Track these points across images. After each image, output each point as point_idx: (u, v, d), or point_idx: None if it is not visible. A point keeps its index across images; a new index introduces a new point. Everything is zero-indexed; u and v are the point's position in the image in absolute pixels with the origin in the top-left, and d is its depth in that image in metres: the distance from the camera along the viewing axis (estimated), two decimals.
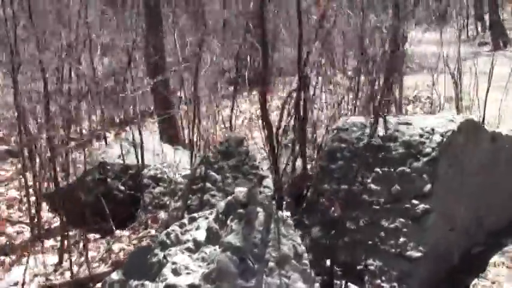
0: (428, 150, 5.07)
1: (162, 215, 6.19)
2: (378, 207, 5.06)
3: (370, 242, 5.00)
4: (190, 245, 4.59)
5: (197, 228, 4.70)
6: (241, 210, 4.40)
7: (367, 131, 5.29)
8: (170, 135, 8.97)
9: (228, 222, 4.43)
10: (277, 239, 4.37)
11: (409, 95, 14.93)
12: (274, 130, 5.37)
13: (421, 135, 5.15)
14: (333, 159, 5.32)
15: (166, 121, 9.06)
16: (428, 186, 4.98)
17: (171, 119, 8.98)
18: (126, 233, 6.48)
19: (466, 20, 29.23)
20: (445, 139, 5.14)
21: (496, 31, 25.90)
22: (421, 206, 4.95)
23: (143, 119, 9.77)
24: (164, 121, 9.05)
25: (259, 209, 4.40)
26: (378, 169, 5.13)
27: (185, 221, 4.86)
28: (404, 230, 4.94)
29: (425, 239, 4.93)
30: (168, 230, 4.83)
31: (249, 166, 5.73)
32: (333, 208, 4.97)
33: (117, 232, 6.48)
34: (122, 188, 6.78)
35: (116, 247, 6.15)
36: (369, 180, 5.13)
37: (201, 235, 4.59)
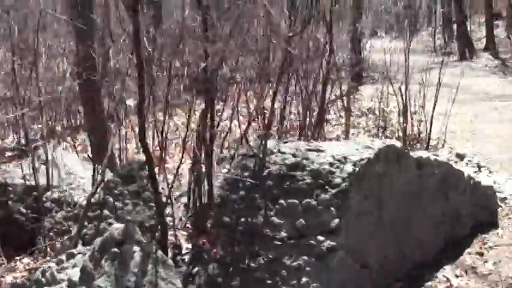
0: (338, 180, 4.58)
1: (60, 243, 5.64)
2: (280, 243, 4.55)
3: (269, 282, 4.49)
4: (64, 285, 4.08)
5: (74, 266, 4.20)
6: (115, 249, 3.89)
7: (274, 157, 4.78)
8: (99, 151, 8.37)
9: (102, 262, 3.91)
10: (154, 282, 3.85)
11: (365, 106, 14.50)
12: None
13: (331, 164, 4.66)
14: (234, 188, 4.79)
15: (97, 136, 8.45)
16: (336, 220, 4.48)
17: (101, 134, 8.37)
18: (26, 260, 5.93)
19: (434, 30, 28.96)
20: (357, 168, 4.65)
21: (463, 42, 25.61)
22: (327, 242, 4.46)
23: (64, 132, 9.13)
24: (95, 136, 8.43)
25: (136, 248, 3.90)
26: (282, 201, 4.62)
27: (63, 257, 4.34)
28: (308, 269, 4.44)
29: (329, 279, 4.42)
30: (45, 267, 4.31)
31: (151, 192, 5.19)
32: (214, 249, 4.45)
33: (17, 259, 5.92)
34: (24, 211, 6.20)
35: (9, 278, 5.59)
36: (272, 213, 4.62)
37: (76, 275, 4.08)
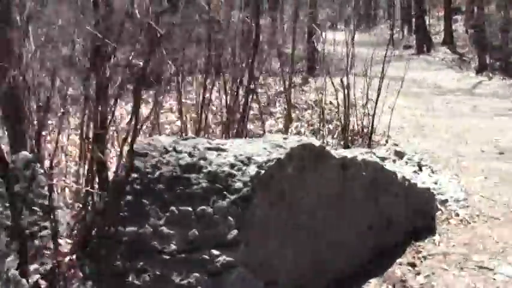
0: (238, 185, 3.89)
1: None
2: (169, 257, 3.85)
3: None
4: None
5: None
6: None
7: (168, 157, 4.07)
8: None
9: None
10: None
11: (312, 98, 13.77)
12: None
13: (232, 166, 3.97)
14: (120, 193, 4.07)
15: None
16: (234, 232, 3.80)
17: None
18: None
19: (392, 23, 28.48)
20: (263, 171, 3.97)
21: (421, 35, 25.16)
22: (223, 257, 3.77)
23: None
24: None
25: None
26: (174, 208, 3.92)
27: None
28: None
29: None
30: None
31: (35, 195, 4.46)
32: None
33: None
34: None
35: None
36: (161, 222, 3.91)
37: None
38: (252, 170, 3.93)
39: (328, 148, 4.87)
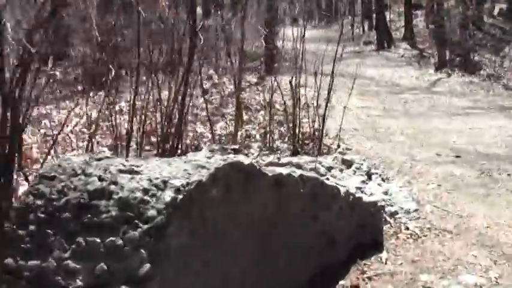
0: (152, 213, 3.45)
1: None
2: None
3: None
4: None
5: None
6: None
7: (76, 181, 3.62)
8: None
9: None
10: None
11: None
12: None
13: (145, 191, 3.53)
14: (23, 221, 3.62)
15: None
16: (147, 266, 3.36)
17: None
18: None
19: (352, 18, 28.19)
20: (181, 196, 3.53)
21: (381, 31, 24.91)
22: None
23: None
24: None
25: None
26: (81, 239, 3.47)
27: None
28: None
29: None
30: None
31: None
32: None
33: None
34: None
35: None
36: (66, 255, 3.46)
37: None
38: (168, 195, 3.49)
39: (262, 163, 4.46)
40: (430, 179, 7.67)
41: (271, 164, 6.32)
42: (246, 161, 4.13)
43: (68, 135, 9.00)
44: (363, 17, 28.92)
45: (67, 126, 9.10)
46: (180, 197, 3.53)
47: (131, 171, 3.65)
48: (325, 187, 4.95)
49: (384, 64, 20.01)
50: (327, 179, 6.09)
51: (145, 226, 3.42)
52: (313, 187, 4.77)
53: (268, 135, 8.71)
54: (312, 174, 5.17)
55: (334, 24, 32.25)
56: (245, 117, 10.49)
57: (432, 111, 12.20)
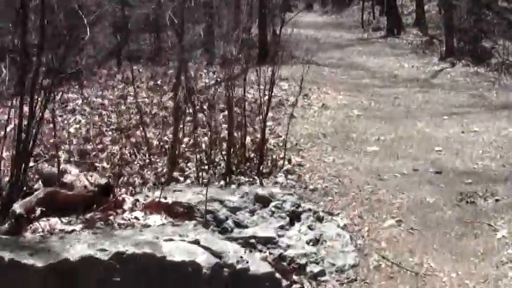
0: None
1: None
2: None
3: None
4: None
5: None
6: None
7: None
8: None
9: None
10: None
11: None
12: None
13: None
14: None
15: None
16: None
17: None
18: None
19: (363, 3, 25.98)
20: None
21: (391, 16, 22.72)
22: None
23: None
24: None
25: None
26: None
27: None
28: None
29: None
30: None
31: None
32: None
33: None
34: None
35: None
36: None
37: None
38: None
39: None
40: (391, 210, 5.76)
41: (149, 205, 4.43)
42: None
43: None
44: (375, 1, 26.61)
45: None
46: None
47: None
48: (166, 267, 3.05)
49: (388, 52, 17.83)
50: (224, 229, 4.20)
51: None
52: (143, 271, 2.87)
53: (207, 152, 6.83)
54: (148, 250, 3.25)
55: (346, 10, 30.08)
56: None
57: (423, 110, 10.03)
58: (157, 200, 4.50)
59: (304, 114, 9.74)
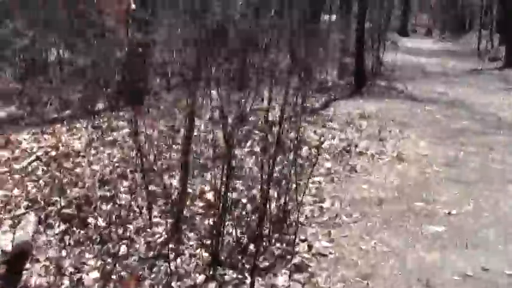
0: None
1: None
2: None
3: None
4: None
5: None
6: None
7: None
8: None
9: None
10: None
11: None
12: None
13: None
14: None
15: None
16: None
17: None
18: None
19: (480, 31, 23.24)
20: None
21: (511, 46, 19.98)
22: None
23: None
24: None
25: None
26: None
27: None
28: None
29: None
30: None
31: None
32: None
33: None
34: None
35: None
36: None
37: None
38: None
39: None
40: None
41: None
42: None
43: None
44: (494, 29, 23.79)
45: None
46: None
47: None
48: None
49: (500, 87, 15.28)
50: None
51: None
52: None
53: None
54: None
55: (464, 37, 27.30)
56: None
57: None
58: None
59: (369, 168, 7.62)
